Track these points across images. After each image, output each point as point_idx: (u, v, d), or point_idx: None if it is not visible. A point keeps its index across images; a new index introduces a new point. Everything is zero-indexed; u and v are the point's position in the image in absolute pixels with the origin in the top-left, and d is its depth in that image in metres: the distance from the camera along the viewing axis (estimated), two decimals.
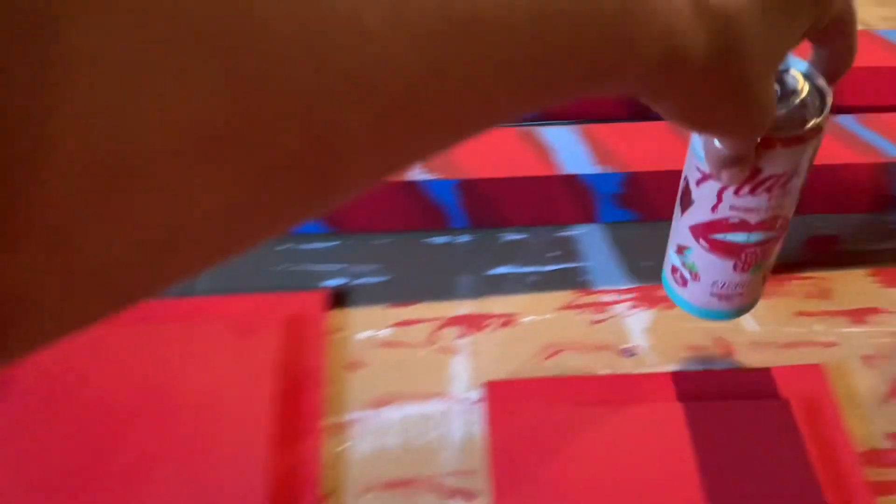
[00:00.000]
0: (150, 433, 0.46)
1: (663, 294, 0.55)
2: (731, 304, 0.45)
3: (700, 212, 0.40)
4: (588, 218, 0.59)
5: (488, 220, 0.58)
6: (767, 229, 0.40)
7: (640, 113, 0.65)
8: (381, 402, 0.50)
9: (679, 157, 0.56)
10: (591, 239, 0.59)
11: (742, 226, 0.40)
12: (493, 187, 0.56)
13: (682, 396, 0.49)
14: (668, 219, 0.59)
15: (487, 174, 0.55)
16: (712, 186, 0.39)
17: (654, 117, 0.64)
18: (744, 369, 0.50)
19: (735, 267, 0.42)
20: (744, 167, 0.36)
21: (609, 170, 0.55)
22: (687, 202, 0.41)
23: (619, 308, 0.55)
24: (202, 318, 0.52)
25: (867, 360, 0.51)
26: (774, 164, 0.36)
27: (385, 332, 0.54)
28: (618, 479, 0.45)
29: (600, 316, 0.54)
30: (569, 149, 0.56)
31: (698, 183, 0.39)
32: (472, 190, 0.56)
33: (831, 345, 0.52)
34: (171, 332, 0.51)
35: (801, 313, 0.54)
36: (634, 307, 0.55)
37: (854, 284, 0.55)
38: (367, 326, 0.54)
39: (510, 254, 0.58)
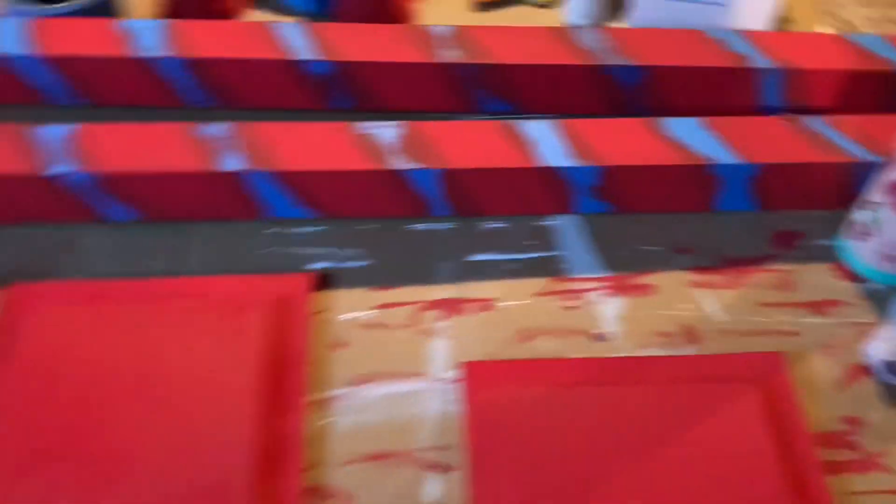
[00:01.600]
0: (139, 407, 0.48)
1: (636, 283, 0.57)
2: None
3: None
4: (565, 209, 0.61)
5: (469, 209, 0.61)
6: None
7: (618, 109, 0.67)
8: (362, 381, 0.52)
9: (653, 152, 0.58)
10: (568, 229, 0.61)
11: None
12: (474, 178, 0.58)
13: (650, 380, 0.51)
14: (643, 211, 0.61)
15: (470, 165, 0.57)
16: None
17: (632, 113, 0.66)
18: (709, 355, 0.53)
19: None
20: None
21: (586, 163, 0.58)
22: None
23: (592, 295, 0.57)
24: (190, 298, 0.54)
25: (826, 348, 0.54)
26: None
27: (367, 314, 0.56)
28: (586, 455, 0.48)
29: (574, 303, 0.57)
30: (548, 142, 0.59)
31: None
32: (454, 180, 0.58)
33: (793, 334, 0.55)
34: (161, 311, 0.53)
35: (765, 304, 0.56)
36: (607, 295, 0.57)
37: (816, 277, 0.58)
38: (350, 308, 0.56)
39: (489, 241, 0.60)
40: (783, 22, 0.76)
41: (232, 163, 0.56)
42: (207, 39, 0.65)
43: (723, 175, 0.59)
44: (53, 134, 0.57)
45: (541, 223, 0.61)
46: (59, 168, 0.55)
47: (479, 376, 0.52)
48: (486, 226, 0.61)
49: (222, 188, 0.57)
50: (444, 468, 0.49)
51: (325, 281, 0.58)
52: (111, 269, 0.57)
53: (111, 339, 0.51)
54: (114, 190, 0.57)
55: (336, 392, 0.52)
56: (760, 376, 0.51)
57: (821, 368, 0.53)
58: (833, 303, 0.56)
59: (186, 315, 0.52)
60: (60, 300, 0.54)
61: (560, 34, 0.67)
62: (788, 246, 0.60)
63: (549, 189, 0.59)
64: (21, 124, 0.58)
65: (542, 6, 0.78)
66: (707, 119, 0.61)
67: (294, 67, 0.64)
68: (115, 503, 0.44)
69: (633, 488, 0.47)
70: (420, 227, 0.61)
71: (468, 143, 0.58)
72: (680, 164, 0.58)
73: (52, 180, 0.56)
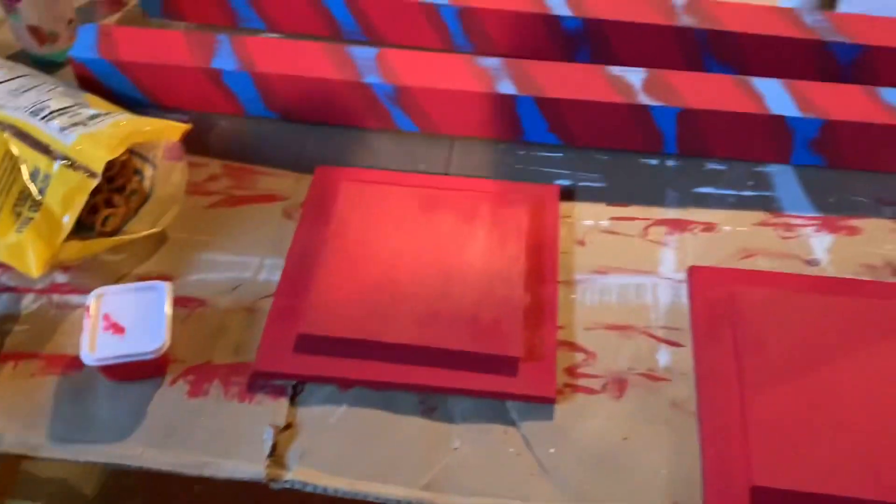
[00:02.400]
0: (436, 263, 0.60)
1: (845, 224, 0.65)
2: None
3: None
4: (782, 158, 0.69)
5: (697, 149, 0.70)
6: None
7: (834, 76, 0.75)
8: (602, 271, 0.63)
9: (872, 112, 0.66)
10: (783, 176, 0.69)
11: None
12: (708, 119, 0.67)
13: (861, 296, 0.59)
14: (853, 168, 0.69)
15: (707, 106, 0.67)
16: None
17: (850, 81, 0.74)
18: None
19: None
20: None
21: (811, 115, 0.66)
22: None
23: (805, 230, 0.65)
24: (467, 190, 0.66)
25: None
26: None
27: (605, 223, 0.66)
28: (797, 349, 0.55)
29: (789, 234, 0.65)
30: (776, 96, 0.67)
31: None
32: (689, 119, 0.67)
33: None
34: (444, 197, 0.65)
35: None
36: (818, 230, 0.65)
37: None
38: (589, 217, 0.67)
39: (712, 178, 0.69)
40: None
41: (506, 87, 0.68)
42: None
43: None
44: (364, 53, 0.71)
45: (758, 168, 0.70)
46: (370, 78, 0.69)
47: (703, 277, 0.61)
48: (709, 166, 0.70)
49: (492, 108, 0.69)
50: (674, 344, 0.58)
51: (568, 194, 0.68)
52: (394, 167, 0.70)
53: (408, 210, 0.63)
54: (405, 101, 0.70)
55: (580, 276, 0.62)
56: None
57: None
58: None
59: (466, 201, 0.64)
60: (360, 180, 0.67)
61: (785, 13, 0.76)
62: None
63: (771, 137, 0.68)
64: (338, 44, 0.72)
65: None
66: None
67: (549, 21, 0.76)
68: (428, 330, 0.56)
69: (834, 383, 0.54)
70: (649, 161, 0.71)
71: (705, 89, 0.68)
72: None
73: (364, 87, 0.69)
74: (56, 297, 0.60)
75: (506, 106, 0.69)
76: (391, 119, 0.72)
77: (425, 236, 0.62)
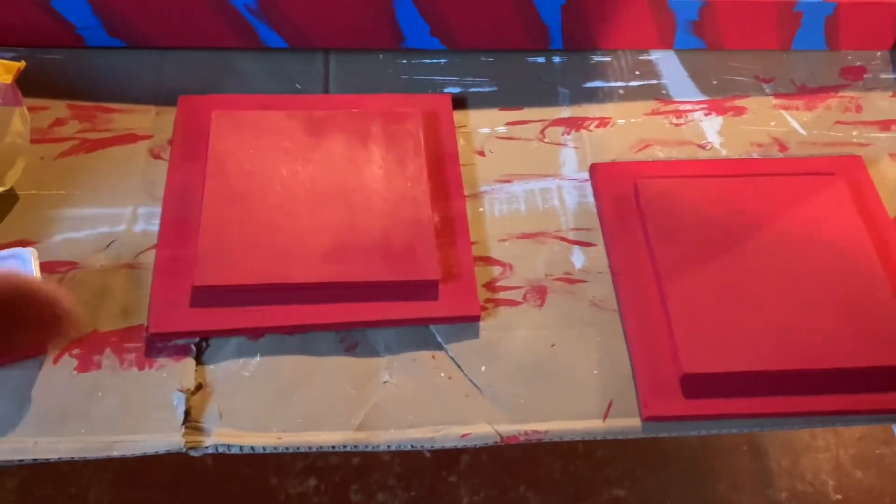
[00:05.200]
0: (334, 196, 0.55)
1: (730, 105, 0.66)
2: None
3: None
4: (665, 43, 0.69)
5: (581, 42, 0.68)
6: None
7: None
8: (506, 179, 0.60)
9: None
10: (667, 62, 0.69)
11: None
12: (595, 5, 0.65)
13: (752, 173, 0.60)
14: (732, 49, 0.70)
15: None
16: None
17: None
18: (799, 158, 0.62)
19: None
20: None
21: None
22: None
23: (695, 114, 0.65)
24: (353, 109, 0.61)
25: (893, 156, 0.63)
26: None
27: (501, 129, 0.64)
28: (702, 230, 0.56)
29: (680, 120, 0.65)
30: None
31: None
32: (574, 8, 0.65)
33: (865, 145, 0.64)
34: (335, 118, 0.59)
35: (839, 122, 0.66)
36: (707, 114, 0.65)
37: (881, 102, 0.67)
38: (485, 124, 0.64)
39: (599, 72, 0.68)
40: None
41: None
42: None
43: (804, 11, 0.67)
44: None
45: (642, 57, 0.69)
46: None
47: (607, 174, 0.60)
48: (595, 59, 0.69)
49: (368, 12, 0.64)
50: (586, 244, 0.57)
51: (459, 103, 0.65)
52: (265, 90, 0.64)
53: (292, 137, 0.58)
54: (269, 12, 0.63)
55: (486, 188, 0.60)
56: (847, 172, 0.60)
57: (890, 171, 0.62)
58: (894, 121, 0.66)
59: (354, 120, 0.59)
60: (232, 107, 0.60)
61: None
62: (856, 77, 0.69)
63: (655, 21, 0.67)
64: None
65: None
66: None
67: None
68: (336, 264, 0.52)
69: (742, 261, 0.55)
70: (536, 59, 0.68)
71: None
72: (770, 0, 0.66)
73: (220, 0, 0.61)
74: None
75: (382, 9, 0.64)
76: (256, 35, 0.65)
77: (317, 164, 0.57)
